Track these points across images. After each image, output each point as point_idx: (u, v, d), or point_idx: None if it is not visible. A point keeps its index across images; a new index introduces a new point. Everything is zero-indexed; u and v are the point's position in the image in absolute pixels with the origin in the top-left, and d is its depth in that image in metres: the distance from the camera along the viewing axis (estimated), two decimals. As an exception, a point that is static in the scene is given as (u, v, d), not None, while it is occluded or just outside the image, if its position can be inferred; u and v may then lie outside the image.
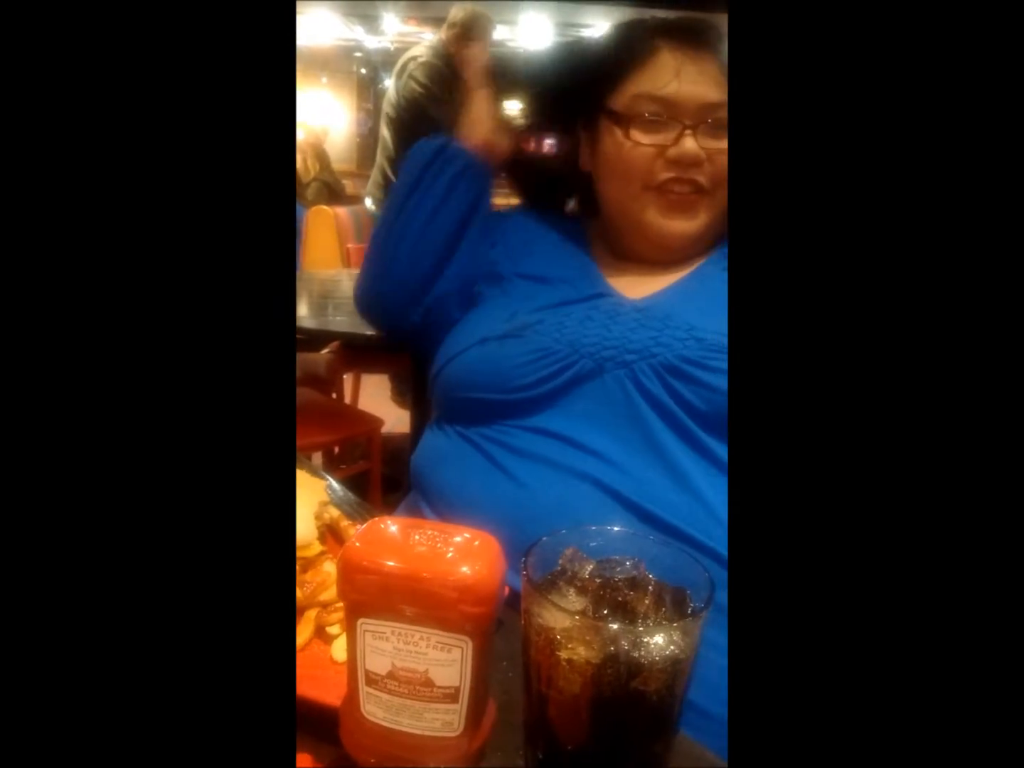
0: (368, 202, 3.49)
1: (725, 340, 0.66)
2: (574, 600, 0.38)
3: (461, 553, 0.39)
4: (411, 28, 6.99)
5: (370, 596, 0.39)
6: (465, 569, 0.38)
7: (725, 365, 0.65)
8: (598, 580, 0.38)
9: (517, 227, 0.88)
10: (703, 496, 0.65)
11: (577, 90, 0.82)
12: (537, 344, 0.73)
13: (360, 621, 0.39)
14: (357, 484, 2.09)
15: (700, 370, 0.66)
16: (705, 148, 0.73)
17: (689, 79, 0.74)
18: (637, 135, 0.75)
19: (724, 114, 0.72)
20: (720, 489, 0.65)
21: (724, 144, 0.73)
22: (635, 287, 0.78)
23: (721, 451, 0.66)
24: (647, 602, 0.37)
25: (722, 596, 0.61)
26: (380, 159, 3.33)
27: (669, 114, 0.74)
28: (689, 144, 0.73)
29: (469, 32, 3.03)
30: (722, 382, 0.65)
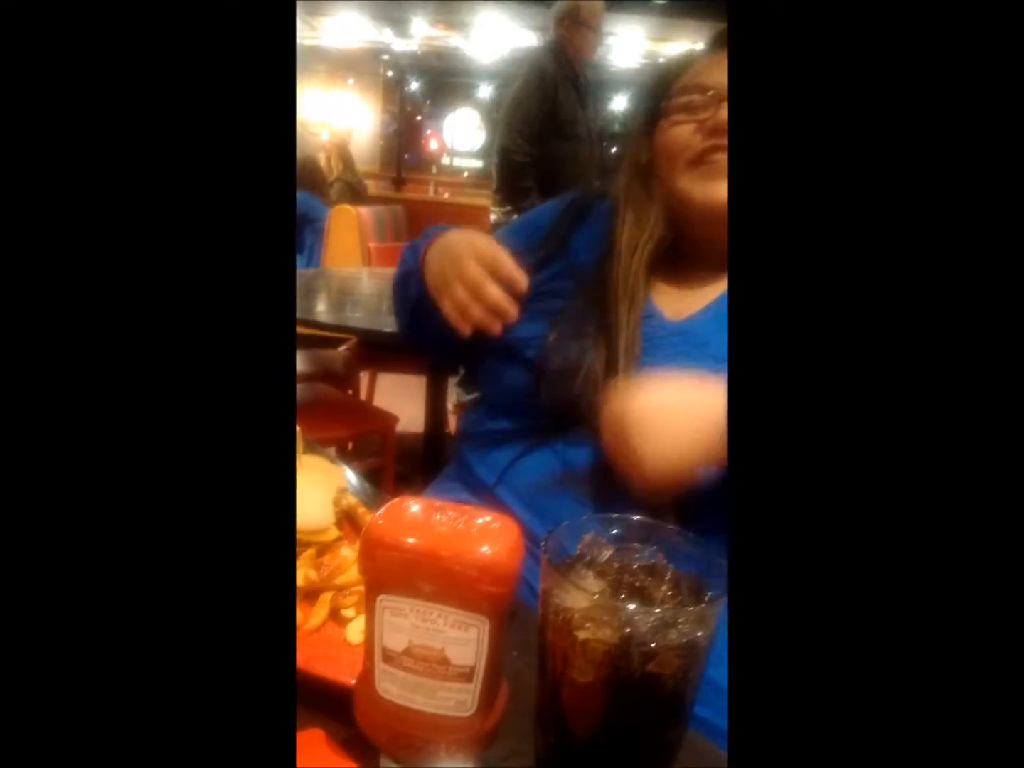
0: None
1: None
2: (592, 583, 0.38)
3: (482, 533, 0.39)
4: (439, 32, 7.04)
5: (390, 572, 0.39)
6: (485, 549, 0.38)
7: None
8: (616, 565, 0.39)
9: (582, 240, 0.87)
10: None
11: (648, 104, 0.84)
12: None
13: (380, 597, 0.40)
14: (370, 481, 2.10)
15: None
16: None
17: (724, 67, 0.74)
18: (677, 117, 0.77)
19: None
20: None
21: None
22: (677, 304, 0.76)
23: None
24: (664, 589, 0.37)
25: None
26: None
27: (707, 94, 0.75)
28: (725, 112, 0.73)
29: (577, 18, 3.00)
30: None
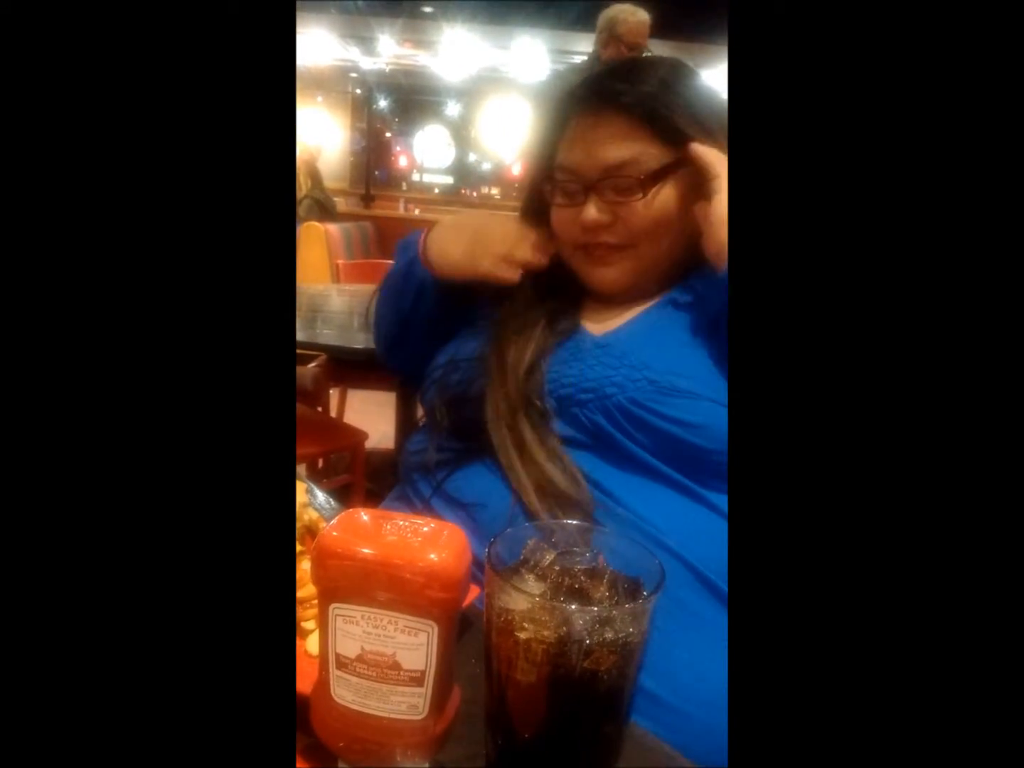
0: None
1: (677, 380, 0.70)
2: (533, 586, 0.40)
3: (429, 542, 0.41)
4: (407, 51, 7.10)
5: (342, 581, 0.41)
6: (432, 556, 0.40)
7: (673, 409, 0.69)
8: (557, 568, 0.41)
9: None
10: (650, 533, 0.67)
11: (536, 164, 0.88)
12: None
13: (332, 606, 0.41)
14: (340, 498, 2.10)
15: (647, 413, 0.69)
16: (613, 208, 0.77)
17: (593, 144, 0.78)
18: (559, 201, 0.82)
19: (630, 171, 0.76)
20: (667, 528, 0.67)
21: (633, 199, 0.76)
22: (600, 321, 0.82)
23: (674, 478, 0.69)
24: (602, 589, 0.39)
25: (683, 593, 0.64)
26: None
27: (577, 181, 0.79)
28: (591, 211, 0.77)
29: (613, 33, 2.98)
30: (670, 426, 0.68)
